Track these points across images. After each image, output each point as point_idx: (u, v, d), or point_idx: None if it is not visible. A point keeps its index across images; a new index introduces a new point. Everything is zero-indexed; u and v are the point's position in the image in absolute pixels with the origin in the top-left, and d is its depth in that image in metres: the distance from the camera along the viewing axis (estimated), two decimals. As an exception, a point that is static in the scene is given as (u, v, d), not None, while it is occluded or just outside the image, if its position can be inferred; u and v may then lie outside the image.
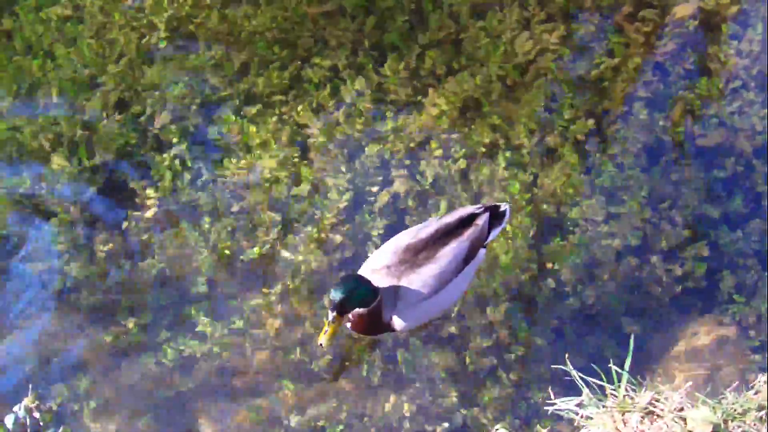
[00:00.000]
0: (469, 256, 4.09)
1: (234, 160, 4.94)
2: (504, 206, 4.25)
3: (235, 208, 4.82)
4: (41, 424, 3.87)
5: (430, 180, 4.86)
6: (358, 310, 3.92)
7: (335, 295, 3.80)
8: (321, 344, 3.92)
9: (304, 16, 5.39)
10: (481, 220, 4.11)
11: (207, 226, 4.75)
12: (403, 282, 3.98)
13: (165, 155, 4.95)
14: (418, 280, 3.99)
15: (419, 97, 5.14)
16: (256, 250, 4.65)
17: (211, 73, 5.22)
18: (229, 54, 5.28)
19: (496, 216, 4.22)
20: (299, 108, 5.07)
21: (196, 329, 4.45)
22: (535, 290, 4.54)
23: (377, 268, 4.04)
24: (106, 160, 4.96)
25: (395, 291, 3.98)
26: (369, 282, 3.93)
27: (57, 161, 4.94)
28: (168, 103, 5.12)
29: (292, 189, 4.86)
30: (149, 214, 4.76)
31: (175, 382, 4.33)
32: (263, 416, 4.25)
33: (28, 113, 5.13)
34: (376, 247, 4.57)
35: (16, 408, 3.87)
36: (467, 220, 4.12)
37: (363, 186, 4.86)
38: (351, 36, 5.31)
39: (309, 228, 4.74)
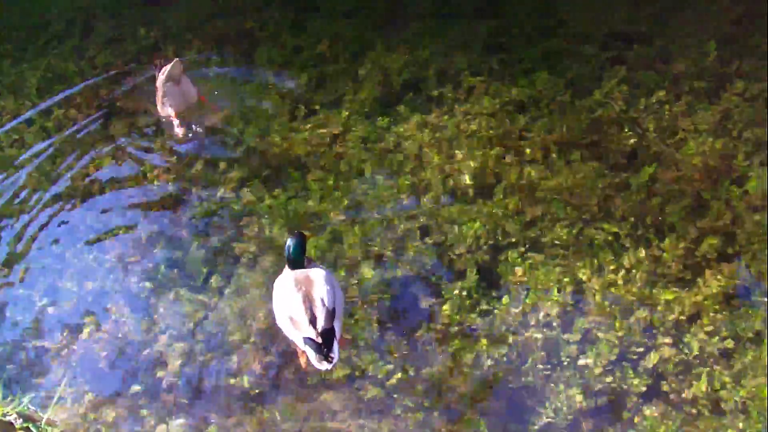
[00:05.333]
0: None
1: (514, 298, 5.55)
2: (334, 357, 4.75)
3: (510, 340, 5.39)
4: None
5: (695, 352, 5.23)
6: None
7: (290, 241, 5.01)
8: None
9: (594, 185, 6.07)
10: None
11: (480, 354, 5.32)
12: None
13: (457, 282, 5.65)
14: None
15: (689, 275, 5.59)
16: (517, 383, 5.18)
17: (504, 220, 5.95)
18: (523, 206, 6.01)
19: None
20: (579, 264, 5.66)
21: None
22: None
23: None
24: (407, 272, 5.73)
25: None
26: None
27: (365, 269, 5.76)
28: (463, 238, 5.87)
29: (565, 334, 5.37)
30: (439, 326, 5.44)
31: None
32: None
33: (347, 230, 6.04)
34: (634, 403, 5.00)
35: None
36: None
37: (630, 345, 5.30)
38: (635, 209, 5.91)
39: (573, 371, 5.21)
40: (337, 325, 4.83)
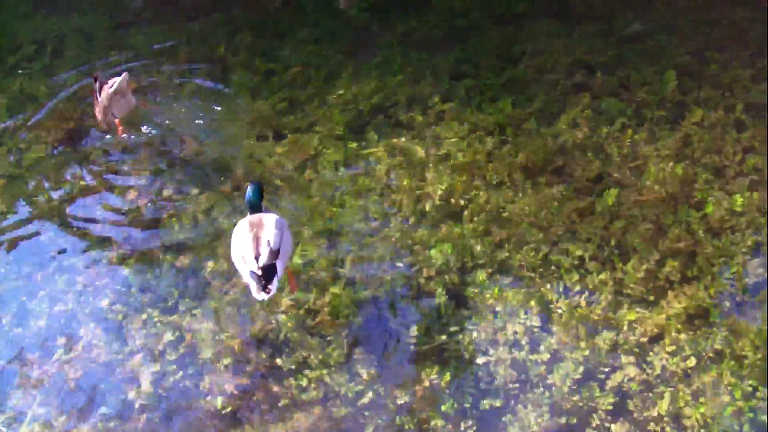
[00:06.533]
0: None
1: (483, 319, 5.67)
2: (272, 290, 5.23)
3: (479, 360, 5.50)
4: None
5: (657, 371, 5.38)
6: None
7: (250, 187, 5.61)
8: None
9: (559, 209, 6.24)
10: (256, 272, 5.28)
11: (450, 374, 5.42)
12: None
13: (427, 304, 5.76)
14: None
15: (652, 297, 5.75)
16: (487, 402, 5.28)
17: (474, 242, 6.08)
18: (491, 229, 6.15)
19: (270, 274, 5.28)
20: (547, 285, 5.81)
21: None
22: None
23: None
24: (378, 294, 5.83)
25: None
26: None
27: (336, 290, 5.85)
28: (432, 261, 5.99)
29: (532, 354, 5.50)
30: (409, 347, 5.54)
31: None
32: None
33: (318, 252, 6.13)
34: (600, 421, 5.12)
35: None
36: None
37: (596, 364, 5.44)
38: (599, 232, 6.08)
39: (541, 390, 5.33)
40: (279, 264, 5.36)
